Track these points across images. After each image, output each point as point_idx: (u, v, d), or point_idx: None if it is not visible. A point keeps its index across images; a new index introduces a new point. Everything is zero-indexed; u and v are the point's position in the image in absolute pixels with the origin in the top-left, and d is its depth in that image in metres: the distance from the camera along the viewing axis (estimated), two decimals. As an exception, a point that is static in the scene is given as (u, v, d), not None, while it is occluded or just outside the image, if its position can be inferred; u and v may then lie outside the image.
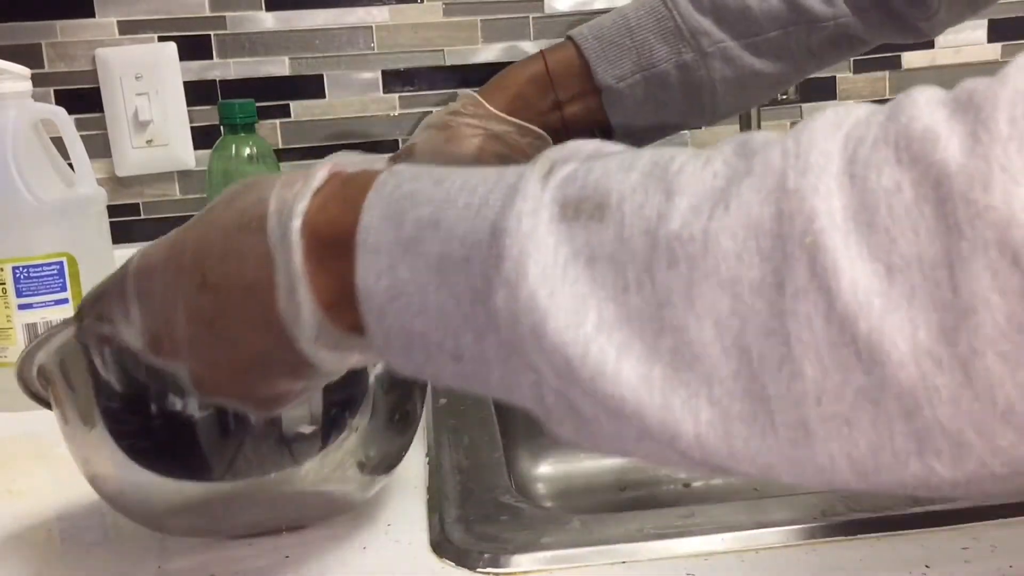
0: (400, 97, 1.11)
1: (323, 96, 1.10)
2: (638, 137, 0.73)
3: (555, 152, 0.34)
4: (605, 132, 0.73)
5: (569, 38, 0.71)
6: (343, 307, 0.36)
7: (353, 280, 0.35)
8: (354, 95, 1.11)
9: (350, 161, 0.40)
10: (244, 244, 0.38)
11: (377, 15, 1.09)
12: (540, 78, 0.70)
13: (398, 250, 0.34)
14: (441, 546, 0.57)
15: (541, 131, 0.68)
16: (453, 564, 0.55)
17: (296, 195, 0.37)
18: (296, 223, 0.36)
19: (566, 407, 0.32)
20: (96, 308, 0.44)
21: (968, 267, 0.25)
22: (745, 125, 1.04)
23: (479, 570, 0.55)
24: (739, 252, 0.28)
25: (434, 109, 1.11)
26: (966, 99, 0.27)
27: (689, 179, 0.30)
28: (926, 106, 0.27)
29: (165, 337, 0.40)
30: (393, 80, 1.11)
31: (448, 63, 1.11)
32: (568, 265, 0.31)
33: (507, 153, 0.66)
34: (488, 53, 1.11)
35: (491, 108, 0.67)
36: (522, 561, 0.55)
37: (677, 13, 0.70)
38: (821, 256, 0.27)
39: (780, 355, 0.27)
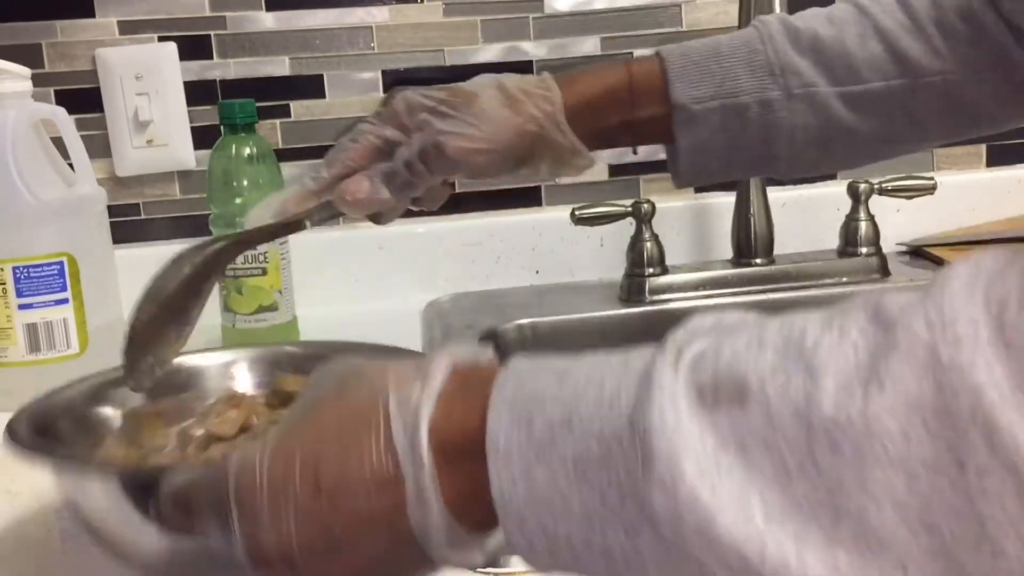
0: (400, 97, 1.11)
1: (323, 96, 1.10)
2: (704, 173, 0.69)
3: (680, 334, 0.34)
4: (670, 159, 0.69)
5: (657, 53, 0.67)
6: (470, 508, 0.36)
7: (480, 481, 0.35)
8: (354, 95, 1.11)
9: (461, 353, 0.39)
10: (363, 448, 0.37)
11: (377, 15, 1.09)
12: (620, 90, 0.66)
13: (531, 454, 0.34)
14: (441, 546, 0.57)
15: (591, 156, 0.65)
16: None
17: (419, 400, 0.37)
18: (424, 432, 0.36)
19: None
20: (180, 500, 0.42)
21: None
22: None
23: (479, 570, 0.55)
24: (905, 431, 0.28)
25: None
26: None
27: (829, 355, 0.30)
28: None
29: (274, 547, 0.38)
30: (393, 80, 1.11)
31: (448, 63, 1.11)
32: (719, 455, 0.30)
33: (543, 151, 0.64)
34: (488, 53, 1.11)
35: (560, 113, 0.64)
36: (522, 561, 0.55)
37: (772, 47, 0.65)
38: (998, 434, 0.26)
39: (975, 534, 0.27)
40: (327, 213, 0.64)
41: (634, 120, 0.66)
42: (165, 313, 0.58)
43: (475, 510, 0.36)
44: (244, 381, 0.67)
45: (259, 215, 0.64)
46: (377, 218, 0.66)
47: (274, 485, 0.38)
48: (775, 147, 0.67)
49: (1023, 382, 0.26)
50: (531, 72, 1.11)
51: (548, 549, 0.34)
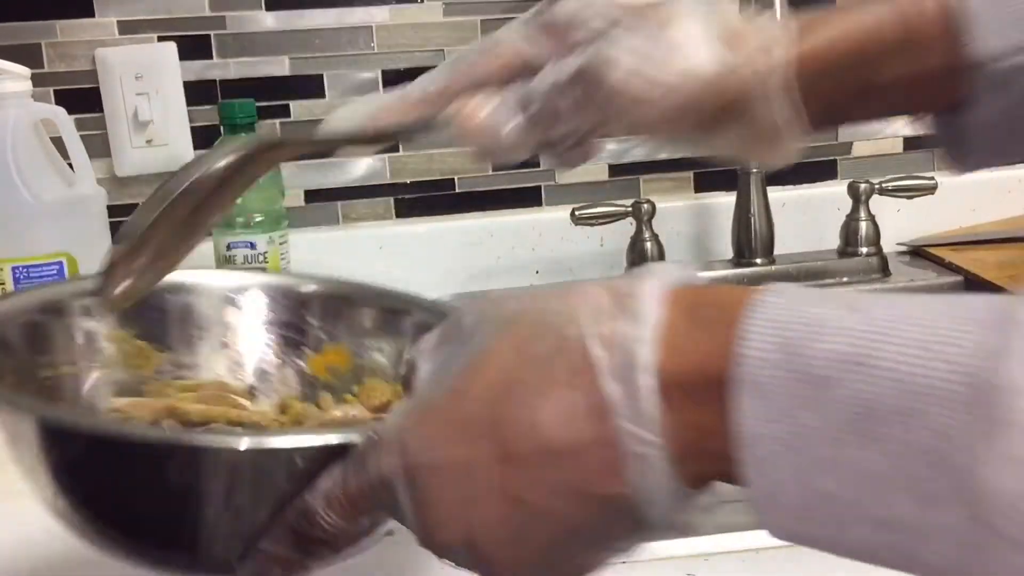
0: (400, 97, 1.11)
1: (323, 96, 1.10)
2: (1005, 153, 0.49)
3: None
4: (947, 134, 0.48)
5: None
6: (692, 460, 0.30)
7: (711, 427, 0.29)
8: (354, 95, 1.10)
9: (670, 277, 0.32)
10: (561, 404, 0.30)
11: (377, 15, 1.09)
12: (880, 42, 0.44)
13: (800, 390, 0.27)
14: (441, 546, 0.57)
15: (795, 147, 0.46)
16: (453, 564, 0.55)
17: (633, 340, 0.30)
18: (646, 379, 0.29)
19: None
20: (350, 512, 0.36)
21: None
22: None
23: (479, 570, 0.55)
24: None
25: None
26: None
27: None
28: None
29: (454, 528, 0.33)
30: (393, 80, 1.11)
31: (448, 63, 1.10)
32: None
33: (737, 120, 0.44)
34: (488, 53, 1.11)
35: (787, 72, 0.43)
36: (522, 561, 0.55)
37: None
38: None
39: None
40: (426, 134, 0.48)
41: (897, 83, 0.45)
42: (174, 213, 0.46)
43: (697, 461, 0.30)
44: (253, 316, 0.55)
45: (341, 118, 0.48)
46: (489, 155, 0.47)
47: (454, 460, 0.32)
48: None
49: None
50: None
51: (799, 505, 0.28)
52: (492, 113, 0.45)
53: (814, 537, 0.29)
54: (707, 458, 0.30)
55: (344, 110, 0.49)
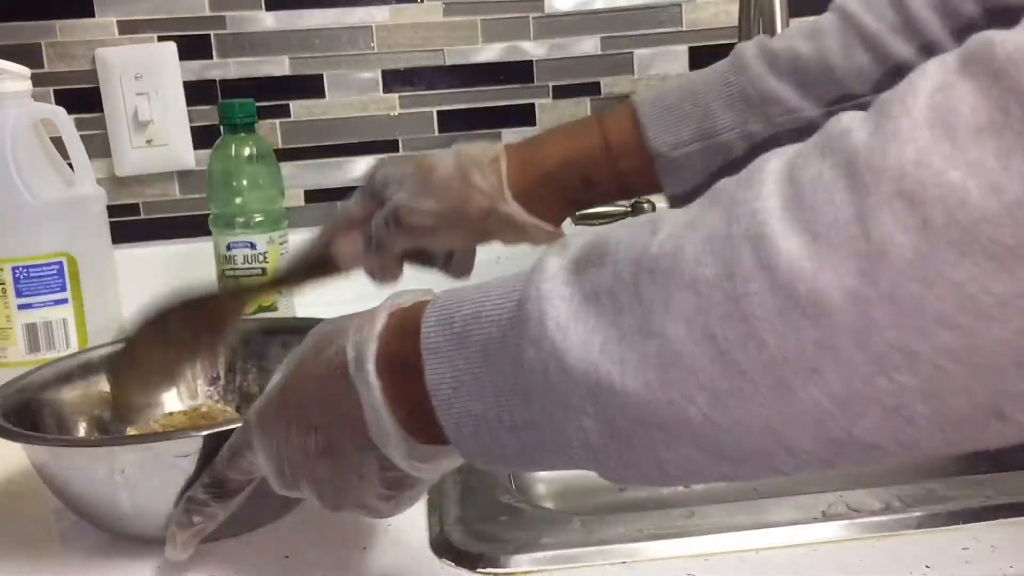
0: (400, 97, 1.11)
1: (323, 96, 1.10)
2: None
3: (568, 239, 0.40)
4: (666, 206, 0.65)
5: (629, 102, 0.65)
6: (420, 422, 0.42)
7: (423, 396, 0.40)
8: (354, 95, 1.11)
9: (405, 299, 0.45)
10: (335, 390, 0.44)
11: (377, 15, 1.09)
12: (587, 154, 0.64)
13: (452, 346, 0.40)
14: (441, 546, 0.57)
15: (554, 229, 0.63)
16: (453, 564, 0.55)
17: (365, 340, 0.43)
18: (370, 365, 0.43)
19: (608, 437, 0.36)
20: (233, 464, 0.51)
21: (876, 217, 0.30)
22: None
23: (479, 570, 0.55)
24: (698, 256, 0.33)
25: (434, 110, 1.11)
26: (877, 103, 0.32)
27: (670, 218, 0.36)
28: (846, 115, 0.33)
29: (288, 473, 0.47)
30: (393, 80, 1.11)
31: (448, 63, 1.11)
32: (580, 308, 0.36)
33: (500, 224, 0.62)
34: (488, 53, 1.11)
35: (505, 187, 0.61)
36: (522, 561, 0.55)
37: (748, 76, 0.62)
38: (762, 242, 0.32)
39: (743, 333, 0.32)
40: (327, 271, 0.69)
41: (609, 179, 0.65)
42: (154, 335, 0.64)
43: (426, 425, 0.41)
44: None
45: (284, 263, 0.72)
46: (373, 277, 0.69)
47: (279, 427, 0.47)
48: None
49: (790, 201, 0.32)
50: (531, 72, 1.11)
51: (471, 431, 0.40)
52: (352, 249, 0.66)
53: (487, 452, 0.40)
54: (424, 418, 0.41)
55: (286, 260, 0.73)
